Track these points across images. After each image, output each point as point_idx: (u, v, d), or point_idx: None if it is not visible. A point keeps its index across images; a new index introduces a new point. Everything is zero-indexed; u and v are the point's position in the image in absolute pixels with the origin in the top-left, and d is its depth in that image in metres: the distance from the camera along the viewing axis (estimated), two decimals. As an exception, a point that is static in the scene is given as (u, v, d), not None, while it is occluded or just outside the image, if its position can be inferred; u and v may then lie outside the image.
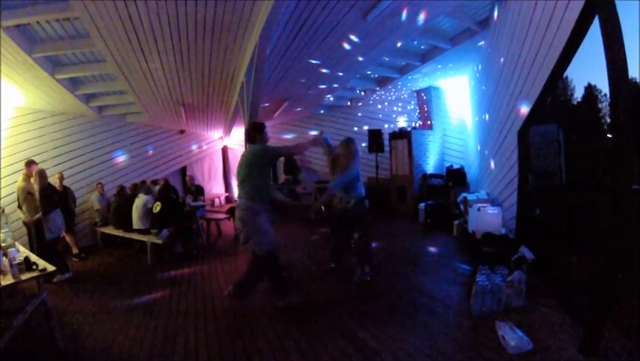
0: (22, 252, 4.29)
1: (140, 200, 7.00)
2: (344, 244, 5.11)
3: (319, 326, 3.71)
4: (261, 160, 3.95)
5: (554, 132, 4.58)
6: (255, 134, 4.09)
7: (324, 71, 7.25)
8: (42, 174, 5.79)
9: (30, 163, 6.39)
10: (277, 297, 4.23)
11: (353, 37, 5.74)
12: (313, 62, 6.57)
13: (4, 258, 3.73)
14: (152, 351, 3.47)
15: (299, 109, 10.79)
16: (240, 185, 4.02)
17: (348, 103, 11.24)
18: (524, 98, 4.63)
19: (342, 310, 4.01)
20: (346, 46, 6.04)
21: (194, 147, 11.95)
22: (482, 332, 3.28)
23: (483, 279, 3.69)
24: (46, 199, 5.75)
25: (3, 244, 4.39)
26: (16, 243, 4.92)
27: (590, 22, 2.94)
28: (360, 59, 6.92)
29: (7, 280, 3.42)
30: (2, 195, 7.06)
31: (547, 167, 4.73)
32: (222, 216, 8.71)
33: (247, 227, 3.96)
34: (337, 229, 5.13)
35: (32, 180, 5.91)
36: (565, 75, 4.02)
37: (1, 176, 7.31)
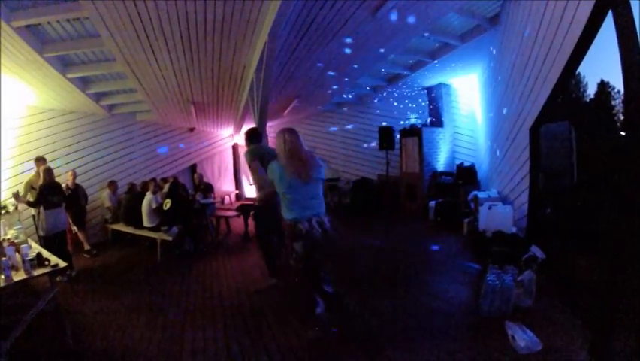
0: (35, 248, 4.35)
1: (146, 199, 7.09)
2: None
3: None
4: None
5: (566, 130, 4.50)
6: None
7: (333, 68, 7.22)
8: (45, 172, 5.84)
9: (37, 160, 6.52)
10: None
11: (362, 35, 5.70)
12: (322, 59, 6.54)
13: (17, 254, 3.79)
14: (159, 348, 3.51)
15: (309, 106, 10.76)
16: None
17: (358, 99, 11.19)
18: (536, 96, 4.57)
19: (348, 309, 4.00)
20: (355, 43, 6.00)
21: (204, 145, 12.00)
22: (491, 332, 3.25)
23: (492, 278, 3.65)
24: (40, 195, 5.80)
25: (16, 241, 4.46)
26: (29, 239, 5.00)
27: (604, 17, 2.89)
28: (369, 56, 6.88)
29: (20, 276, 3.47)
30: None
31: (559, 165, 4.66)
32: (232, 213, 8.72)
33: None
34: None
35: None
36: (577, 72, 3.96)
37: (7, 174, 7.44)
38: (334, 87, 8.95)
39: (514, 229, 5.22)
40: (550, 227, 4.78)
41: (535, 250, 4.38)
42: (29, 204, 5.98)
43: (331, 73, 7.55)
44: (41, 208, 5.70)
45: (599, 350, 2.67)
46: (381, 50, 6.71)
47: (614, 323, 2.61)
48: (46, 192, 5.75)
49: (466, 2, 5.51)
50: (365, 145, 11.48)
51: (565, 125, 4.36)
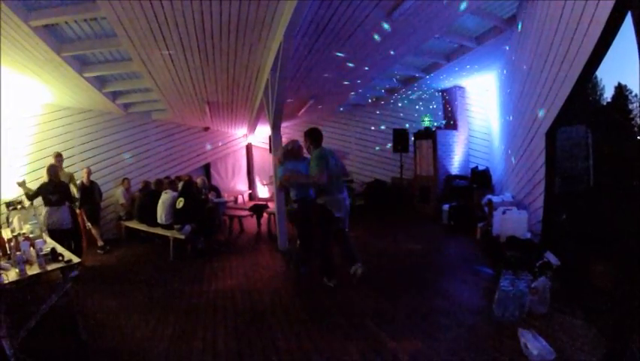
0: (49, 243, 4.41)
1: (167, 196, 7.05)
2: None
3: (337, 325, 3.69)
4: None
5: (583, 134, 4.43)
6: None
7: (348, 69, 7.20)
8: (47, 171, 5.97)
9: (54, 155, 6.74)
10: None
11: (377, 36, 5.67)
12: (337, 60, 6.53)
13: (31, 248, 3.85)
14: (170, 345, 3.52)
15: (323, 107, 10.74)
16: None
17: (372, 101, 11.14)
18: (552, 99, 4.49)
19: (360, 310, 3.98)
20: (370, 44, 5.97)
21: (218, 144, 12.03)
22: (503, 339, 3.19)
23: (506, 284, 3.59)
24: (39, 192, 5.91)
25: (31, 235, 4.54)
26: (44, 234, 5.07)
27: (622, 20, 2.82)
28: (384, 57, 6.84)
29: (34, 270, 3.52)
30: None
31: (575, 170, 4.59)
32: (245, 213, 8.77)
33: None
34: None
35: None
36: (594, 75, 3.88)
37: (24, 170, 7.58)
38: (349, 88, 8.91)
39: (528, 235, 5.14)
40: (565, 233, 4.69)
41: (550, 257, 4.30)
42: (26, 195, 6.10)
43: (346, 74, 7.52)
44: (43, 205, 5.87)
45: (614, 358, 2.60)
46: (396, 52, 6.66)
47: (631, 331, 2.54)
48: (45, 191, 5.85)
49: (482, 3, 5.45)
50: (379, 147, 11.42)
51: (581, 128, 4.28)
